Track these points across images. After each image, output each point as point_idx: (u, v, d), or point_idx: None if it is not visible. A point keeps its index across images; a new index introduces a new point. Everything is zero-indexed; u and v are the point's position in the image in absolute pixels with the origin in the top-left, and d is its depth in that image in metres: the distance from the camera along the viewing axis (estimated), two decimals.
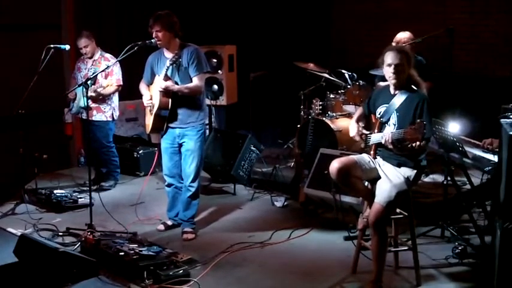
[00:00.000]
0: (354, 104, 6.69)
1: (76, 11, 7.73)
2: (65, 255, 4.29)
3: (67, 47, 6.06)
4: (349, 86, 6.85)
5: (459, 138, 4.81)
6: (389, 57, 4.20)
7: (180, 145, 5.28)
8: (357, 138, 4.41)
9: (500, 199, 3.86)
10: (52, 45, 5.83)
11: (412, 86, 4.23)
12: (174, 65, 5.04)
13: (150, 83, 5.32)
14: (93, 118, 6.50)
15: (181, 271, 4.37)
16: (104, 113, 6.55)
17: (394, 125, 4.21)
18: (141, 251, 4.53)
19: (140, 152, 7.36)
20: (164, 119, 5.20)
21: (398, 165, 4.19)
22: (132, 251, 4.51)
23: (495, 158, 4.57)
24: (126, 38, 7.58)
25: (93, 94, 6.34)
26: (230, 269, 4.64)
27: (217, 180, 7.01)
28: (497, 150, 4.54)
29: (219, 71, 7.74)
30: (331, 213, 5.66)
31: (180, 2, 7.71)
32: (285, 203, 6.19)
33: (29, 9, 7.22)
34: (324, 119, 6.51)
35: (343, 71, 7.03)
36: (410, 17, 8.43)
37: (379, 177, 4.22)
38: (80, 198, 6.14)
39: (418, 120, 3.89)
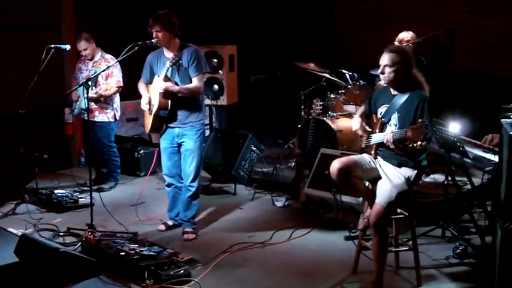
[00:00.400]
0: (354, 104, 6.69)
1: (76, 11, 7.73)
2: (65, 255, 4.29)
3: (67, 47, 6.06)
4: (349, 86, 6.85)
5: (460, 138, 4.81)
6: (381, 57, 4.23)
7: (179, 145, 5.28)
8: (360, 132, 4.41)
9: (501, 199, 3.86)
10: (52, 45, 5.83)
11: (414, 85, 4.23)
12: (174, 66, 5.04)
13: (149, 82, 5.32)
14: (95, 119, 6.51)
15: (182, 271, 4.37)
16: (105, 114, 6.55)
17: (395, 125, 4.21)
18: (141, 251, 4.53)
19: (141, 152, 7.36)
20: (163, 119, 5.20)
21: (399, 165, 4.19)
22: (133, 251, 4.51)
23: (496, 158, 4.57)
24: (126, 38, 7.59)
25: (94, 96, 6.34)
26: (231, 269, 4.64)
27: (217, 180, 7.01)
28: (497, 149, 4.54)
29: (220, 71, 7.74)
30: (332, 213, 5.66)
31: (180, 2, 7.71)
32: (286, 203, 6.19)
33: (29, 9, 7.22)
34: (324, 119, 6.51)
35: (344, 71, 7.04)
36: (410, 17, 8.43)
37: (380, 177, 4.22)
38: (81, 198, 6.14)
39: (419, 120, 3.89)
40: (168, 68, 5.04)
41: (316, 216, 5.87)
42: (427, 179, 6.33)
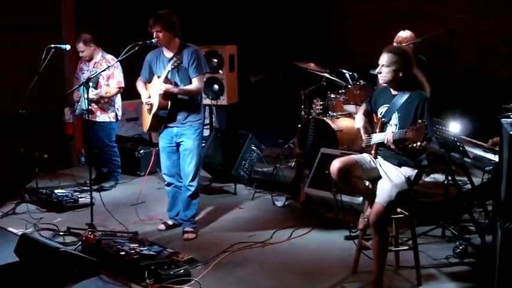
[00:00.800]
0: (354, 103, 6.69)
1: (76, 11, 7.73)
2: (65, 254, 4.29)
3: (67, 47, 6.06)
4: (349, 86, 6.86)
5: (460, 138, 4.82)
6: (380, 57, 4.24)
7: (178, 144, 5.28)
8: (362, 130, 4.40)
9: (501, 199, 3.86)
10: (52, 45, 5.83)
11: (414, 86, 4.23)
12: (176, 69, 5.04)
13: (147, 81, 5.32)
14: (97, 119, 6.52)
15: (182, 271, 4.37)
16: (107, 114, 6.56)
17: (396, 125, 4.21)
18: (141, 250, 4.53)
19: (141, 151, 7.36)
20: (162, 119, 5.21)
21: (399, 165, 4.19)
22: (133, 251, 4.51)
23: (496, 158, 4.57)
24: (126, 38, 7.60)
25: (95, 97, 6.35)
26: (231, 268, 4.64)
27: (218, 180, 7.01)
28: (497, 149, 4.55)
29: (220, 71, 7.75)
30: (332, 213, 5.66)
31: (180, 2, 7.71)
32: (286, 203, 6.19)
33: (29, 9, 7.22)
34: (324, 118, 6.51)
35: (344, 70, 7.04)
36: (410, 17, 8.43)
37: (380, 177, 4.22)
38: (81, 197, 6.15)
39: (420, 121, 3.89)
40: (170, 71, 5.03)
41: (316, 215, 5.87)
42: (427, 179, 6.33)
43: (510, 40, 7.91)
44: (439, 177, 6.19)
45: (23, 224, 5.51)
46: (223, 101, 7.81)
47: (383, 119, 4.29)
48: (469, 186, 5.26)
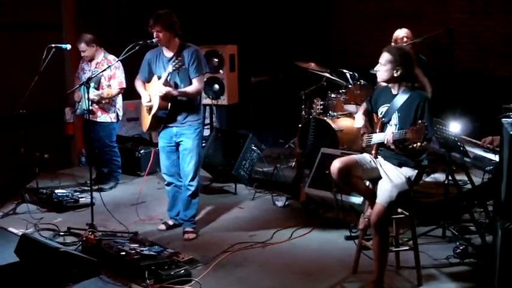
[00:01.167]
0: (355, 103, 6.70)
1: (76, 11, 7.74)
2: (66, 255, 4.29)
3: (68, 46, 6.05)
4: (350, 86, 6.86)
5: (460, 138, 4.82)
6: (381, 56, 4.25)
7: (178, 144, 5.28)
8: (363, 130, 4.40)
9: (501, 199, 3.86)
10: (53, 45, 5.82)
11: (415, 86, 4.23)
12: (177, 71, 5.03)
13: (146, 80, 5.32)
14: (98, 119, 6.52)
15: (182, 271, 4.37)
16: (108, 114, 6.56)
17: (396, 125, 4.21)
18: (142, 250, 4.53)
19: (141, 151, 7.36)
20: (161, 119, 5.21)
21: (399, 165, 4.19)
22: (133, 251, 4.51)
23: (496, 158, 4.57)
24: (127, 37, 7.59)
25: (96, 98, 6.36)
26: (231, 268, 4.64)
27: (218, 180, 7.01)
28: (497, 149, 4.54)
29: (220, 71, 7.75)
30: (332, 213, 5.66)
31: (180, 1, 7.71)
32: (286, 203, 6.19)
33: (30, 9, 7.22)
34: (325, 118, 6.51)
35: (344, 70, 7.04)
36: (410, 17, 8.43)
37: (380, 177, 4.22)
38: (81, 197, 6.16)
39: (419, 122, 3.89)
40: (171, 73, 5.03)
41: (317, 216, 5.87)
42: (427, 179, 6.33)
43: (510, 40, 7.91)
44: (440, 177, 6.18)
45: (24, 224, 5.52)
46: (223, 100, 7.81)
47: (383, 119, 4.29)
48: (469, 186, 5.26)
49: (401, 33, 6.27)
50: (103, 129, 6.60)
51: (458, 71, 7.41)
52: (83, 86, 5.60)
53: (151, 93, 5.19)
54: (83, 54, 6.51)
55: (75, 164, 7.89)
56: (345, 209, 5.51)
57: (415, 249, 4.35)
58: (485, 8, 8.12)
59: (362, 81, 6.83)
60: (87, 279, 4.28)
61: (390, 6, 8.93)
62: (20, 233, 4.96)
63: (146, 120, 5.31)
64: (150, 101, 5.20)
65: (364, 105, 4.57)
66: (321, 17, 9.59)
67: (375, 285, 4.16)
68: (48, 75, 5.94)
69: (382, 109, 4.32)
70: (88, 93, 5.18)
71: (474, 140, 5.02)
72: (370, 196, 4.27)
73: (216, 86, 7.77)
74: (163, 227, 5.49)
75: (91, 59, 6.55)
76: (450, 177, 5.11)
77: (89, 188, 5.29)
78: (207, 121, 8.15)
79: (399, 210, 4.37)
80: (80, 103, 6.51)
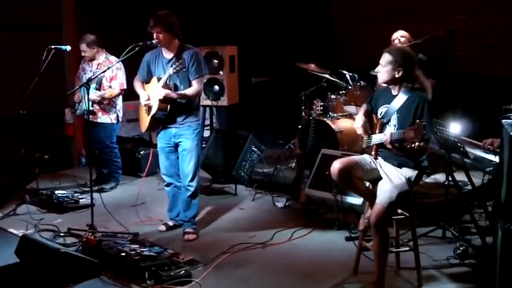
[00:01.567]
0: (355, 104, 6.70)
1: (76, 11, 7.74)
2: (66, 255, 4.30)
3: (68, 47, 6.05)
4: (350, 87, 6.86)
5: (460, 139, 4.82)
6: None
7: (177, 144, 5.28)
8: (361, 130, 4.39)
9: (502, 200, 3.86)
10: (53, 46, 5.82)
11: (415, 87, 4.22)
12: (178, 73, 5.03)
13: (145, 81, 5.32)
14: (98, 120, 6.52)
15: (182, 272, 4.37)
16: (108, 115, 6.56)
17: (395, 125, 4.21)
18: (142, 251, 4.53)
19: (141, 152, 7.36)
20: (160, 120, 5.21)
21: (399, 166, 4.19)
22: (134, 252, 4.51)
23: (496, 159, 4.58)
24: (127, 38, 7.60)
25: (97, 98, 6.36)
26: (231, 269, 4.64)
27: (218, 181, 7.02)
28: (498, 150, 4.55)
29: (220, 72, 7.74)
30: (333, 213, 5.66)
31: (180, 2, 7.71)
32: (286, 204, 6.19)
33: (30, 10, 7.22)
34: (325, 119, 6.51)
35: (344, 71, 7.04)
36: (410, 18, 8.43)
37: (381, 178, 4.22)
38: (81, 198, 6.16)
39: (417, 121, 3.89)
40: (171, 75, 5.02)
41: (317, 216, 5.88)
42: (427, 180, 6.32)
43: (510, 41, 7.91)
44: (440, 178, 6.18)
45: (24, 225, 5.52)
46: (223, 101, 7.81)
47: (382, 120, 4.29)
48: (469, 187, 5.26)
49: (396, 35, 6.28)
50: (103, 130, 6.60)
51: (459, 71, 7.41)
52: (83, 87, 5.60)
53: (151, 94, 5.18)
54: (83, 54, 6.53)
55: (75, 164, 7.88)
56: (345, 210, 5.51)
57: (415, 250, 4.35)
58: (486, 8, 8.12)
59: (362, 82, 6.83)
60: (88, 280, 4.28)
61: (390, 7, 8.92)
62: (20, 234, 4.96)
63: (145, 121, 5.31)
64: (148, 99, 5.19)
65: (364, 107, 4.58)
66: (321, 17, 9.59)
67: (376, 286, 4.16)
68: (48, 76, 5.93)
69: (382, 110, 4.32)
70: (88, 94, 5.18)
71: (474, 141, 5.02)
72: (370, 197, 4.27)
73: (216, 87, 7.76)
74: (163, 227, 5.49)
75: (92, 59, 6.56)
76: (450, 178, 5.11)
77: (89, 189, 5.29)
78: (207, 122, 8.15)
79: (399, 211, 4.37)
80: (80, 103, 6.51)
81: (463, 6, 8.28)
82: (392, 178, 4.15)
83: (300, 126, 6.83)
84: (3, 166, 6.48)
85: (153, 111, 5.14)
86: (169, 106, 5.10)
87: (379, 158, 4.30)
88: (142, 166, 7.23)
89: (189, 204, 5.34)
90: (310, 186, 5.88)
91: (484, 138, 4.97)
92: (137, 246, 4.66)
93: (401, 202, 4.18)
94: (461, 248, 4.73)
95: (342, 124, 6.53)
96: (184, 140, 5.22)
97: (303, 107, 7.13)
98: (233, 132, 7.21)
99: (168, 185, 5.47)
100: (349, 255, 4.70)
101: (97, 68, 6.51)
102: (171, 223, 5.51)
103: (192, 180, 5.27)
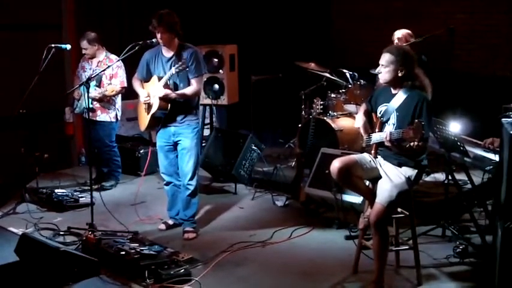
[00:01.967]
0: (355, 103, 6.69)
1: (77, 11, 7.74)
2: (66, 254, 4.30)
3: (68, 46, 6.04)
4: (350, 86, 6.86)
5: (460, 138, 4.82)
6: (381, 57, 4.25)
7: (176, 143, 5.28)
8: (362, 131, 4.40)
9: (501, 199, 3.86)
10: (53, 45, 5.82)
11: (414, 85, 4.22)
12: (180, 73, 5.03)
13: (144, 79, 5.32)
14: (98, 118, 6.52)
15: (182, 270, 4.38)
16: (108, 114, 6.57)
17: (394, 124, 4.21)
18: (142, 250, 4.53)
19: (141, 151, 7.36)
20: (160, 119, 5.21)
21: (399, 165, 4.19)
22: (133, 251, 4.52)
23: (496, 158, 4.57)
24: (127, 37, 7.59)
25: (98, 95, 6.36)
26: (231, 268, 4.64)
27: (218, 180, 7.02)
28: (498, 149, 4.55)
29: (220, 71, 7.73)
30: (332, 212, 5.66)
31: (180, 1, 7.71)
32: (286, 203, 6.19)
33: (30, 9, 7.22)
34: (325, 118, 6.51)
35: (344, 70, 7.03)
36: (410, 17, 8.42)
37: (380, 177, 4.22)
38: (81, 197, 6.16)
39: (416, 121, 3.89)
40: (173, 74, 5.02)
41: (317, 215, 5.88)
42: (427, 179, 6.32)
43: (510, 40, 7.91)
44: (440, 177, 6.19)
45: (24, 224, 5.52)
46: (223, 100, 7.80)
47: (382, 118, 4.29)
48: (469, 186, 5.26)
49: (398, 34, 6.27)
50: (102, 129, 6.60)
51: (459, 70, 7.41)
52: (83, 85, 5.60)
53: (151, 92, 5.18)
54: (84, 51, 6.53)
55: (75, 163, 7.88)
56: (345, 209, 5.51)
57: (415, 249, 4.36)
58: (486, 8, 8.12)
59: (362, 81, 6.83)
60: (87, 279, 4.28)
61: (390, 6, 8.92)
62: (20, 233, 4.97)
63: (144, 119, 5.31)
64: (148, 97, 5.19)
65: (364, 106, 4.58)
66: (321, 16, 9.58)
67: (375, 285, 4.16)
68: (48, 75, 5.93)
69: (381, 108, 4.32)
70: (88, 92, 5.18)
71: (474, 140, 5.02)
72: (370, 196, 4.27)
73: (216, 86, 7.76)
74: (163, 226, 5.49)
75: (92, 57, 6.56)
76: (450, 177, 5.11)
77: (89, 188, 5.29)
78: (207, 121, 8.15)
79: (399, 209, 4.37)
80: (80, 101, 6.51)
81: (463, 6, 8.28)
82: (392, 177, 4.15)
83: (300, 125, 6.83)
84: (3, 165, 6.48)
85: (153, 110, 5.14)
86: (169, 105, 5.10)
87: (379, 157, 4.30)
88: (142, 165, 7.21)
89: (188, 203, 5.34)
90: (310, 185, 5.88)
91: (484, 137, 4.97)
92: (137, 245, 4.67)
93: (401, 201, 4.18)
94: (461, 247, 4.73)
95: (341, 123, 6.53)
96: (183, 138, 5.22)
97: (303, 106, 7.13)
98: (233, 131, 7.21)
99: (168, 183, 5.47)
100: (349, 254, 4.70)
101: (97, 66, 6.51)
102: (170, 222, 5.51)
103: (191, 179, 5.27)
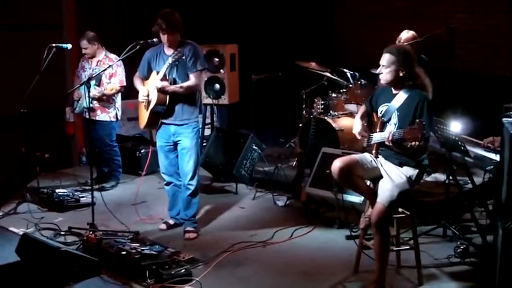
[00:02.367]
0: (355, 103, 6.70)
1: (77, 11, 7.74)
2: (67, 254, 4.29)
3: (69, 46, 6.05)
4: (351, 85, 6.86)
5: (461, 137, 4.82)
6: (381, 57, 4.25)
7: (176, 143, 5.28)
8: (359, 137, 4.41)
9: (502, 198, 3.86)
10: (54, 45, 5.83)
11: (416, 85, 4.22)
12: (177, 62, 5.03)
13: (145, 78, 5.32)
14: (97, 118, 6.52)
15: (183, 270, 4.38)
16: (107, 113, 6.57)
17: (395, 124, 4.21)
18: (143, 250, 4.53)
19: (142, 151, 7.36)
20: (159, 115, 5.20)
21: (400, 165, 4.19)
22: (134, 250, 4.52)
23: (497, 157, 4.57)
24: (128, 37, 7.60)
25: (98, 94, 6.37)
26: (232, 268, 4.65)
27: (219, 180, 7.02)
28: (498, 149, 4.55)
29: (221, 70, 7.72)
30: (333, 212, 5.66)
31: (181, 1, 7.70)
32: (287, 202, 6.19)
33: (31, 9, 7.22)
34: (325, 118, 6.50)
35: (345, 70, 7.03)
36: (411, 17, 8.42)
37: (381, 177, 4.22)
38: (82, 197, 6.16)
39: (417, 121, 3.89)
40: (170, 64, 5.02)
41: (318, 215, 5.87)
42: (428, 178, 6.31)
43: (511, 39, 7.91)
44: (440, 176, 6.19)
45: (24, 224, 5.52)
46: (224, 100, 7.80)
47: (383, 118, 4.29)
48: (470, 185, 5.26)
49: (407, 35, 6.22)
50: (102, 128, 6.61)
51: (460, 70, 7.40)
52: (83, 85, 5.60)
53: (150, 89, 5.18)
54: (84, 51, 6.54)
55: (75, 163, 7.89)
56: (346, 209, 5.51)
57: (415, 249, 4.36)
58: (486, 7, 8.12)
59: (363, 80, 6.83)
60: (88, 279, 4.27)
61: (391, 6, 8.92)
62: (21, 233, 4.97)
63: (144, 116, 5.30)
64: (147, 95, 5.19)
65: (362, 109, 4.58)
66: (322, 16, 9.59)
67: (376, 284, 4.16)
68: (49, 75, 5.94)
69: (382, 108, 4.32)
70: (89, 91, 5.18)
71: (475, 140, 5.02)
72: (371, 196, 4.27)
73: (217, 86, 7.75)
74: (164, 226, 5.49)
75: (92, 57, 6.57)
76: (451, 177, 5.11)
77: (90, 188, 5.29)
78: (208, 120, 8.14)
79: (400, 209, 4.37)
80: (80, 101, 6.51)
81: (463, 5, 8.28)
82: (393, 177, 4.15)
83: (300, 125, 6.83)
84: (4, 165, 6.49)
85: (152, 104, 5.13)
86: (168, 98, 5.09)
87: (380, 156, 4.30)
88: (143, 165, 7.21)
89: (189, 203, 5.34)
90: (310, 185, 5.87)
91: (484, 136, 4.97)
92: (138, 244, 4.67)
93: (402, 201, 4.18)
94: (461, 247, 4.73)
95: (342, 123, 6.52)
96: (183, 138, 5.22)
97: (303, 106, 7.13)
98: (234, 131, 7.21)
99: (168, 183, 5.47)
100: (350, 254, 4.70)
101: (97, 65, 6.52)
102: (171, 222, 5.51)
103: (192, 178, 5.27)
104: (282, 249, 5.05)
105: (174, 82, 5.12)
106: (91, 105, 6.22)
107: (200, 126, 5.46)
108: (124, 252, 4.51)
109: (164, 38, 5.06)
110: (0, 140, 6.73)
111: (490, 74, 8.06)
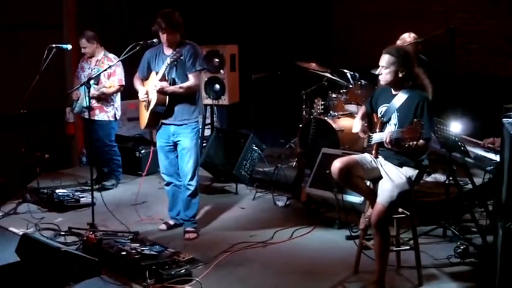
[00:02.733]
0: (355, 103, 6.70)
1: (78, 11, 7.74)
2: (67, 254, 4.29)
3: (69, 46, 6.06)
4: (351, 86, 6.86)
5: (461, 138, 4.82)
6: (380, 58, 4.25)
7: (175, 143, 5.28)
8: (361, 135, 4.41)
9: (502, 199, 3.86)
10: (54, 45, 5.83)
11: (415, 85, 4.22)
12: (175, 62, 5.03)
13: (145, 78, 5.32)
14: (96, 117, 6.52)
15: (183, 270, 4.38)
16: (106, 113, 6.57)
17: (395, 124, 4.21)
18: (143, 250, 4.53)
19: (142, 151, 7.37)
20: (159, 115, 5.20)
21: (400, 165, 4.19)
22: (134, 251, 4.51)
23: (497, 158, 4.57)
24: (128, 37, 7.58)
25: (96, 93, 6.37)
26: (232, 268, 4.64)
27: (219, 180, 7.02)
28: (499, 149, 4.54)
29: (221, 71, 7.73)
30: (333, 212, 5.66)
31: (181, 1, 7.70)
32: (287, 203, 6.19)
33: (31, 9, 7.23)
34: (325, 118, 6.51)
35: (345, 70, 7.03)
36: (411, 17, 8.43)
37: (381, 177, 4.22)
38: (82, 197, 6.16)
39: (415, 120, 3.89)
40: (169, 65, 5.03)
41: (318, 215, 5.87)
42: (428, 179, 6.33)
43: (511, 40, 7.91)
44: (440, 177, 6.19)
45: (24, 224, 5.52)
46: (224, 100, 7.80)
47: (382, 119, 4.29)
48: (470, 186, 5.26)
49: (407, 37, 6.21)
50: (101, 128, 6.61)
51: (460, 70, 7.40)
52: (83, 86, 5.60)
53: (149, 89, 5.19)
54: (83, 50, 6.55)
55: (76, 163, 7.90)
56: (346, 209, 5.51)
57: (415, 249, 4.35)
58: (487, 7, 8.12)
59: (363, 81, 6.83)
60: (88, 279, 4.28)
61: (391, 6, 8.93)
62: (21, 233, 4.97)
63: (144, 117, 5.30)
64: (147, 94, 5.19)
65: (362, 109, 4.58)
66: (322, 16, 9.60)
67: (376, 285, 4.16)
68: (49, 75, 5.95)
69: (382, 109, 4.32)
70: (89, 92, 5.18)
71: (475, 140, 5.02)
72: (371, 196, 4.27)
73: (217, 86, 7.76)
74: (164, 226, 5.49)
75: (91, 56, 6.58)
76: (451, 177, 5.11)
77: (90, 188, 5.29)
78: (208, 121, 8.15)
79: (400, 210, 4.37)
80: (79, 101, 6.52)
81: (463, 5, 8.28)
82: (393, 177, 4.15)
83: (300, 125, 6.84)
84: (4, 165, 6.48)
85: (152, 104, 5.13)
86: (167, 98, 5.09)
87: (380, 157, 4.30)
88: (143, 165, 7.23)
89: (189, 203, 5.34)
90: (310, 185, 5.87)
91: (484, 137, 4.97)
92: (138, 245, 4.66)
93: (402, 201, 4.18)
94: (461, 247, 4.73)
95: (342, 123, 6.52)
96: (183, 138, 5.22)
97: (303, 106, 7.13)
98: (234, 131, 7.21)
99: (168, 184, 5.47)
100: (350, 254, 4.69)
101: (95, 65, 6.53)
102: (171, 222, 5.51)
103: (191, 179, 5.27)
104: (282, 250, 5.05)
105: (174, 82, 5.12)
106: (90, 104, 6.23)
107: (200, 127, 5.45)
108: (124, 253, 4.51)
109: (164, 37, 5.06)
110: (0, 141, 6.73)
111: (490, 74, 8.06)
